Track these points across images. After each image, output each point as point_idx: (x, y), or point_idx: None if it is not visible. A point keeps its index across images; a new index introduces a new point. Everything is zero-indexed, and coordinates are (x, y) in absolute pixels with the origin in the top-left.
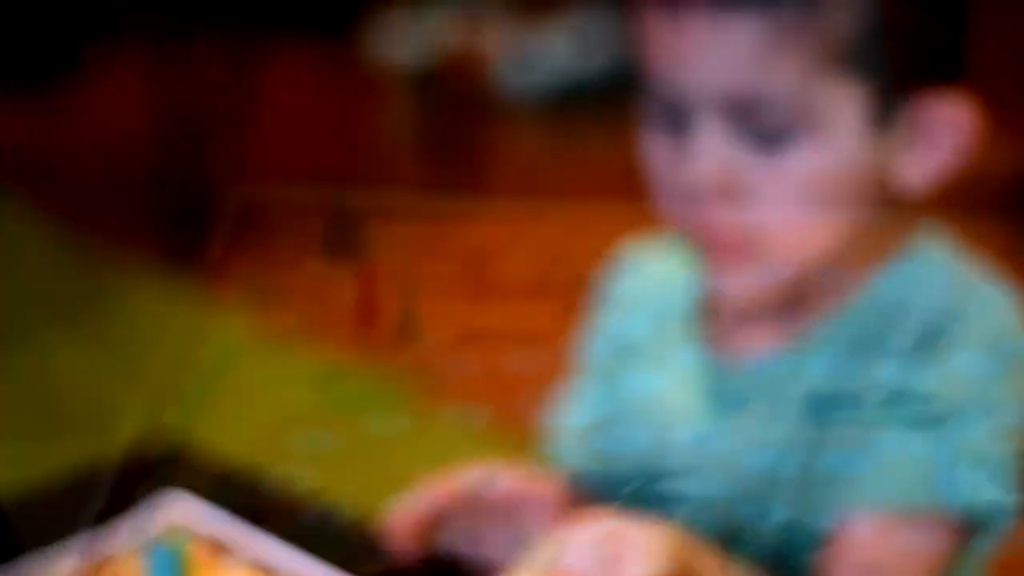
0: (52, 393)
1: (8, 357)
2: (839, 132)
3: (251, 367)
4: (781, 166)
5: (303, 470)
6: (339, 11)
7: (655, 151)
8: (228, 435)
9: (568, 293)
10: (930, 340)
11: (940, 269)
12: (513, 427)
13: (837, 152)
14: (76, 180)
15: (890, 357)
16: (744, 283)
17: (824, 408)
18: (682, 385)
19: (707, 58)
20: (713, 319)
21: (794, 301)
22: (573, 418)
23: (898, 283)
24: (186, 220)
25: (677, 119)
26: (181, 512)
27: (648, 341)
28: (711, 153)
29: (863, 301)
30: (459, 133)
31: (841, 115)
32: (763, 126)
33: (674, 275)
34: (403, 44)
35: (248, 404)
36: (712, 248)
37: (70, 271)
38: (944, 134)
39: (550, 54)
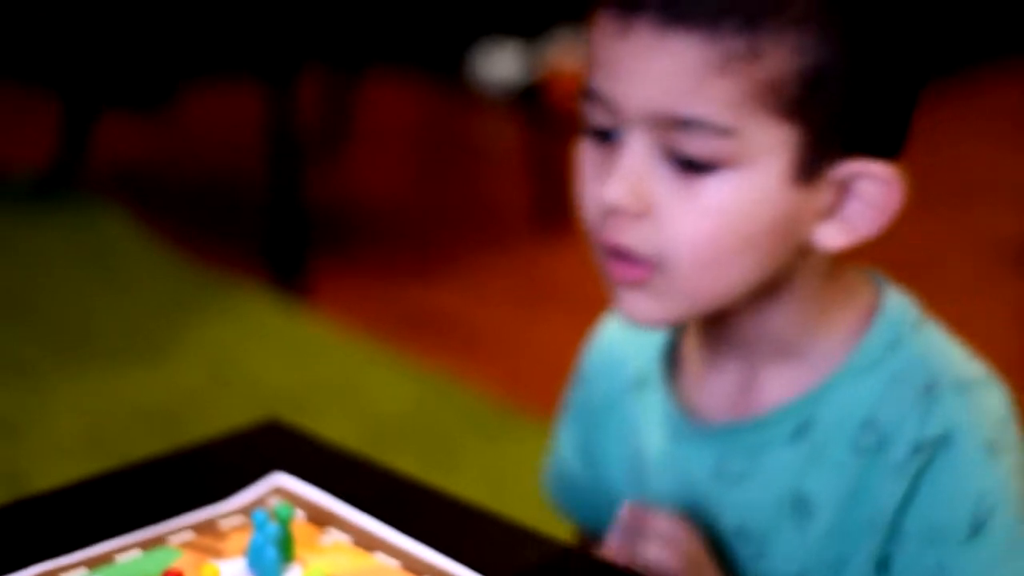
0: (161, 399)
1: (117, 366)
2: (762, 173)
3: (350, 374)
4: (696, 195)
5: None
6: (442, 42)
7: (585, 161)
8: (331, 430)
9: None
10: (922, 462)
11: (915, 373)
12: None
13: (756, 192)
14: (183, 197)
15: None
16: (645, 305)
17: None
18: (654, 430)
19: (647, 72)
20: (678, 370)
21: (743, 362)
22: (562, 451)
23: (866, 390)
24: (289, 236)
25: (609, 135)
26: (287, 488)
27: (625, 384)
28: (629, 170)
29: (825, 404)
30: (559, 152)
31: (767, 156)
32: (687, 152)
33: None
34: (505, 67)
35: (349, 406)
36: (617, 265)
37: (176, 283)
38: (868, 207)
39: None
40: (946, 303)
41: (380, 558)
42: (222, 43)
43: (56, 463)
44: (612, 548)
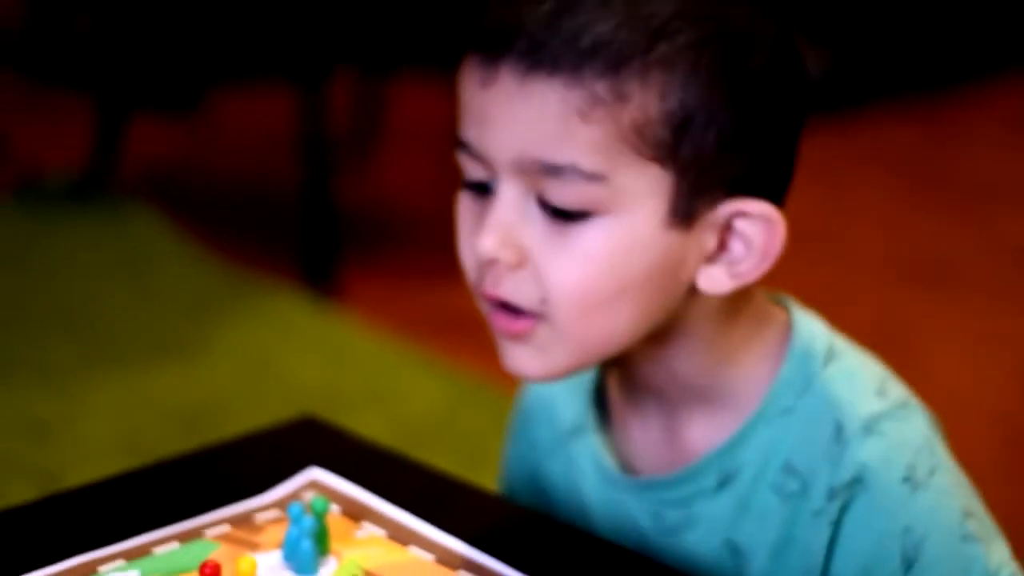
0: (192, 400)
1: (149, 367)
2: (636, 217)
3: (380, 374)
4: (571, 242)
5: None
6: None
7: (462, 214)
8: (362, 429)
9: None
10: (840, 498)
11: (825, 414)
12: None
13: (631, 237)
14: (215, 199)
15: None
16: (529, 359)
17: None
18: (591, 477)
19: (512, 119)
20: (608, 416)
21: (661, 408)
22: (509, 474)
23: (782, 434)
24: (320, 238)
25: (487, 187)
26: (322, 483)
27: (564, 430)
28: (501, 220)
29: (744, 450)
30: None
31: (640, 200)
32: (557, 201)
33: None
34: None
35: (379, 406)
36: (500, 317)
37: (208, 285)
38: (750, 249)
39: None
40: (968, 308)
41: (414, 551)
42: (254, 46)
43: (90, 465)
44: None
